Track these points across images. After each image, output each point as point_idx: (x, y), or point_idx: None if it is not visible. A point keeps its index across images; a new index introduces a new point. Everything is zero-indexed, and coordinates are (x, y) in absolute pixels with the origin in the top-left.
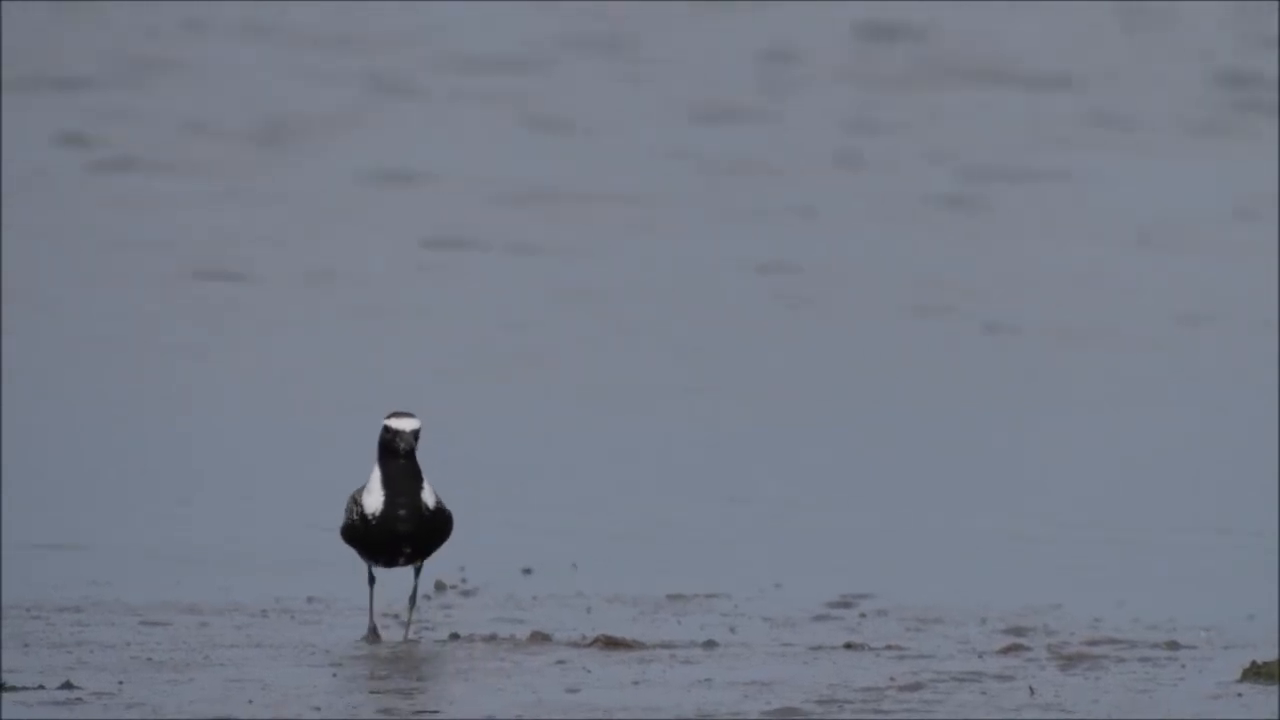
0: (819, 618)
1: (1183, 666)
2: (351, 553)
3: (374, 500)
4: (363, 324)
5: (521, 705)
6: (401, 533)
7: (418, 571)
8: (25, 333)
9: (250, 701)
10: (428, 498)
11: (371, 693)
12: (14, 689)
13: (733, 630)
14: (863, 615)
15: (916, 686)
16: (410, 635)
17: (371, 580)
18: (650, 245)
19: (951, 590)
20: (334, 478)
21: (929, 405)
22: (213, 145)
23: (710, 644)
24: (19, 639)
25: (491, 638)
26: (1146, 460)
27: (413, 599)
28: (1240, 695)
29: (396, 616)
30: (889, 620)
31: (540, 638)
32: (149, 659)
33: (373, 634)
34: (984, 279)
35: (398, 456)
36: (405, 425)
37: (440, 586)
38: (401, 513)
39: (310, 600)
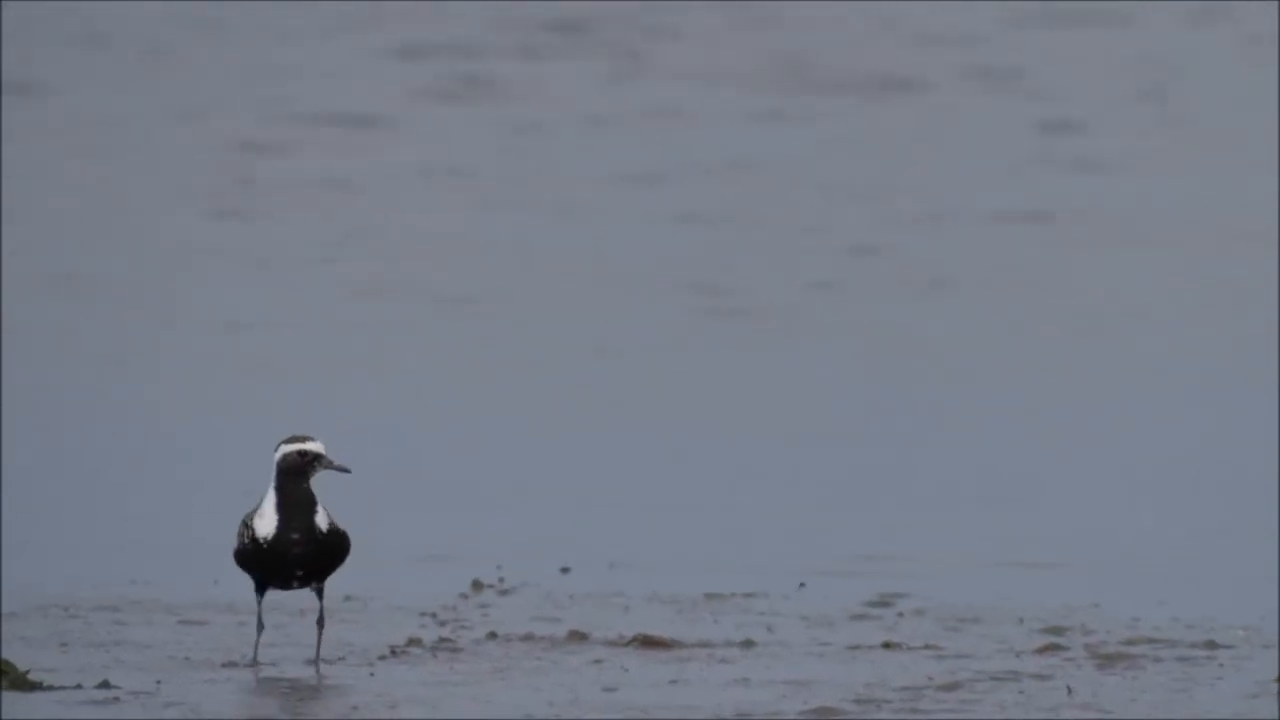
0: (856, 617)
1: (1221, 666)
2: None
3: (266, 524)
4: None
5: (559, 704)
6: (294, 555)
7: (320, 594)
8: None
9: (288, 700)
10: (321, 520)
11: (407, 697)
12: (52, 688)
13: (770, 629)
14: (900, 615)
15: (954, 686)
16: (319, 658)
17: (260, 628)
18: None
19: (989, 590)
20: (369, 477)
21: (961, 404)
22: None
23: (748, 643)
24: (57, 638)
25: (529, 636)
26: (1185, 458)
27: (320, 621)
28: (1279, 694)
29: (434, 616)
30: (926, 620)
31: (578, 637)
32: (186, 658)
33: (255, 664)
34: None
35: (304, 479)
36: (320, 447)
37: (478, 586)
38: (295, 536)
39: (347, 599)
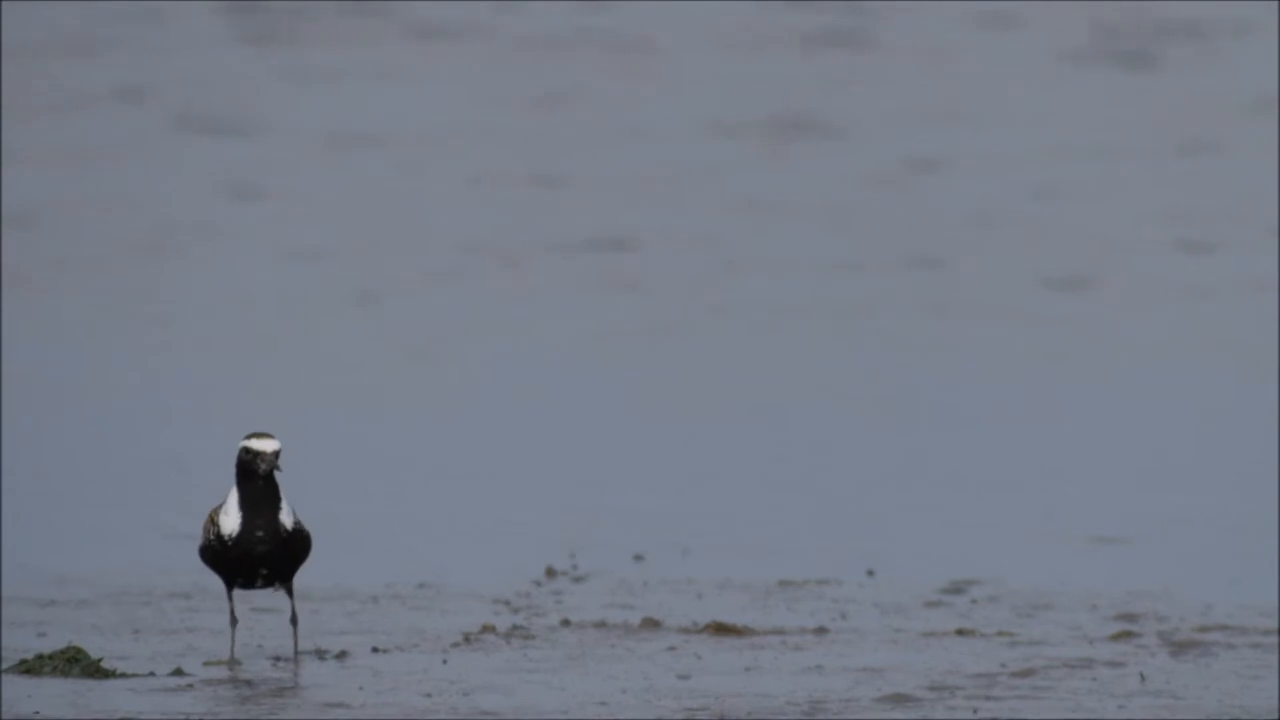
0: (930, 604)
1: None
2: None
3: (231, 521)
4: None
5: (633, 691)
6: (259, 554)
7: (289, 593)
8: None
9: (361, 688)
10: (285, 519)
11: (481, 685)
12: (125, 675)
13: (844, 616)
14: (974, 601)
15: (1028, 673)
16: (298, 655)
17: (234, 622)
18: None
19: (1062, 576)
20: (445, 462)
21: (1036, 389)
22: None
23: (821, 630)
24: (130, 625)
25: (602, 624)
26: (1259, 442)
27: (293, 619)
28: None
29: (508, 603)
30: (1000, 606)
31: (651, 624)
32: (259, 645)
33: (233, 663)
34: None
35: (257, 478)
36: (266, 446)
37: (551, 573)
38: (259, 534)
39: (421, 586)
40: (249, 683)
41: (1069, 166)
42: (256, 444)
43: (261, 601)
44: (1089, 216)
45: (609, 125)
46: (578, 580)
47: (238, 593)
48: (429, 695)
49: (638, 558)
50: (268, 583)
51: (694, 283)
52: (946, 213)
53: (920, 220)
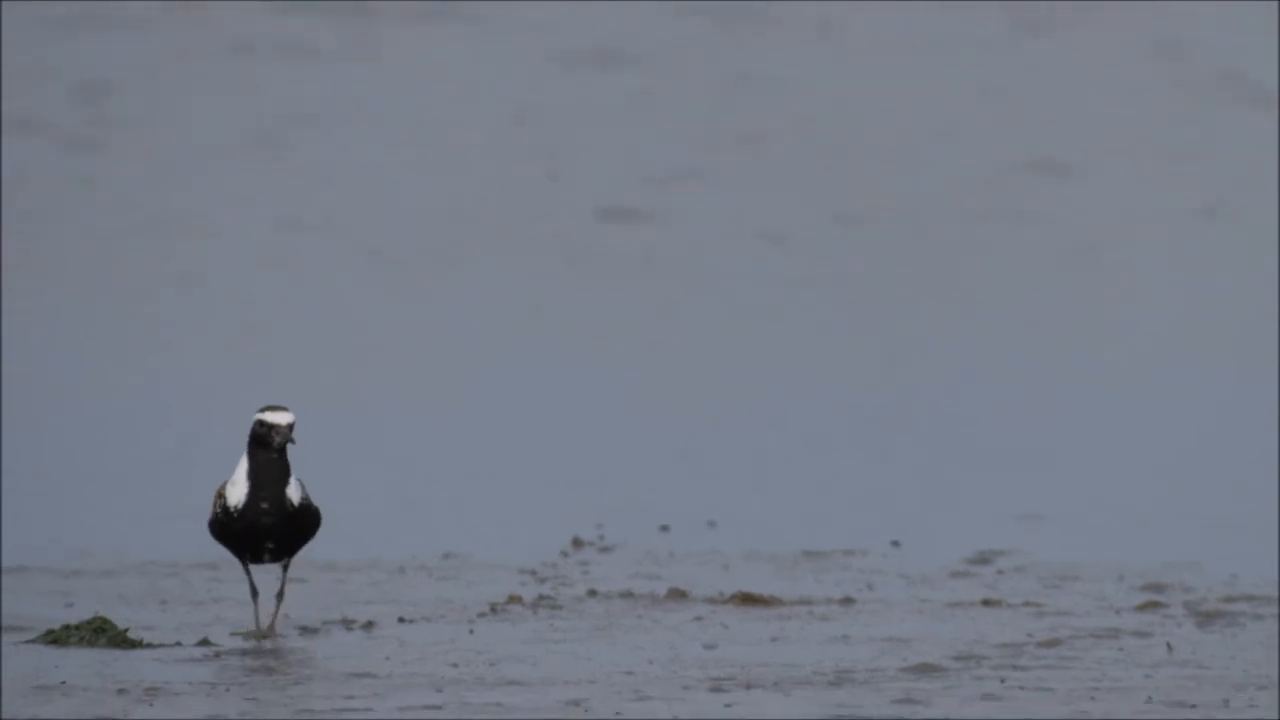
0: (956, 574)
1: None
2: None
3: (237, 493)
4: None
5: (660, 661)
6: (264, 526)
7: (285, 568)
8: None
9: (387, 658)
10: (293, 493)
11: (507, 655)
12: (151, 645)
13: (870, 587)
14: (1000, 572)
15: (1054, 643)
16: (273, 626)
17: (255, 594)
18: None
19: (1088, 546)
20: (472, 433)
21: (1048, 354)
22: None
23: (848, 600)
24: (156, 596)
25: (629, 594)
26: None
27: (280, 595)
28: None
29: (534, 573)
30: (1027, 577)
31: (678, 594)
32: (285, 615)
33: (259, 633)
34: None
35: (270, 450)
36: (280, 419)
37: (578, 543)
38: (264, 506)
39: (446, 556)
40: (275, 653)
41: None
42: (271, 416)
43: (290, 573)
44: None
45: None
46: (604, 551)
47: (257, 566)
48: (455, 665)
49: (664, 528)
50: (275, 557)
51: (717, 259)
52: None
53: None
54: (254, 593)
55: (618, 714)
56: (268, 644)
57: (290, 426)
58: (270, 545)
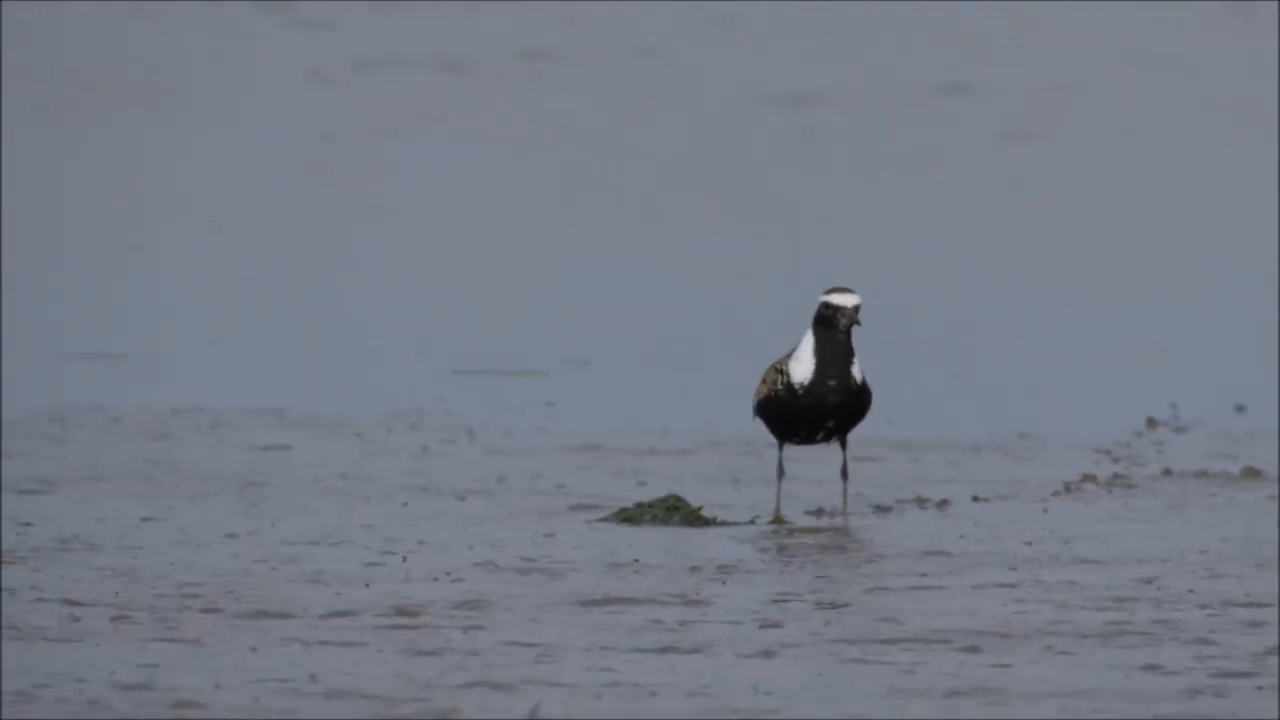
0: None
1: None
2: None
3: (803, 370)
4: None
5: (1233, 540)
6: (830, 404)
7: (844, 445)
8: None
9: (961, 536)
10: (856, 373)
11: (1080, 533)
12: (724, 523)
13: None
14: None
15: None
16: (846, 508)
17: (781, 474)
18: None
19: None
20: (1038, 315)
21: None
22: None
23: None
24: (730, 474)
25: (1203, 473)
26: None
27: (844, 472)
28: None
29: (1108, 452)
30: None
31: (1252, 474)
32: (857, 494)
33: (778, 518)
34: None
35: (836, 331)
36: (847, 301)
37: (1152, 423)
38: (831, 383)
39: (1022, 436)
40: (847, 531)
41: None
42: (838, 299)
43: (859, 451)
44: None
45: None
46: (1178, 430)
47: (792, 448)
48: (1029, 543)
49: (1239, 409)
50: (828, 436)
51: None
52: None
53: None
54: (780, 473)
55: (1190, 590)
56: (840, 521)
57: (856, 309)
58: (830, 423)
